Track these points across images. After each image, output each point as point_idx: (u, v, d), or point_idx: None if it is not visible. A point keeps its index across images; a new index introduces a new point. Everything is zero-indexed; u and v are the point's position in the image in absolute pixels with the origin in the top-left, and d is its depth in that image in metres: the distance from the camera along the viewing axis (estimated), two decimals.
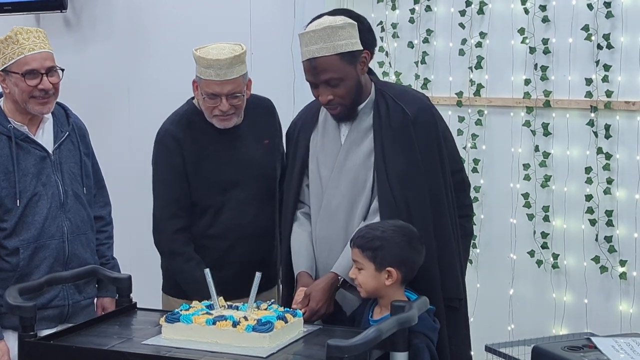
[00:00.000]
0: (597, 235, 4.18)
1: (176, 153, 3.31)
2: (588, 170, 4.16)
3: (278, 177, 3.48)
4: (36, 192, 3.18)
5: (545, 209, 4.30)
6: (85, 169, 3.35)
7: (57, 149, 3.26)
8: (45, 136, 3.25)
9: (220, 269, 3.15)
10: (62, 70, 3.26)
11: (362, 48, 3.03)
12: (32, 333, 2.63)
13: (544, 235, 4.31)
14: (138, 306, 3.04)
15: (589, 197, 4.17)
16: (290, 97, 4.75)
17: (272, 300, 2.91)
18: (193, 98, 3.39)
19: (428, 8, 4.59)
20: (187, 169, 3.32)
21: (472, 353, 3.19)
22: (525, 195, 4.35)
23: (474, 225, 3.41)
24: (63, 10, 5.46)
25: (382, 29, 4.68)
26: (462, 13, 4.48)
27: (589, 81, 4.14)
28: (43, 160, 3.21)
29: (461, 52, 4.49)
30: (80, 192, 3.31)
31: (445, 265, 3.03)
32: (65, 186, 3.25)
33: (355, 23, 3.06)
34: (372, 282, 2.84)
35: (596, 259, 4.17)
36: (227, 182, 3.34)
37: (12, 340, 3.08)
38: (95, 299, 3.44)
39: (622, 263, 4.13)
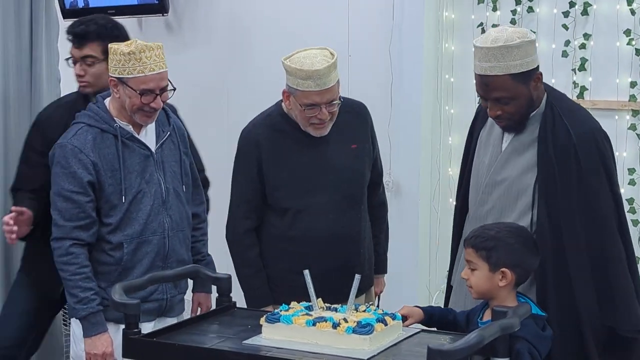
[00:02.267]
0: None
1: (253, 155, 3.34)
2: None
3: (367, 181, 3.46)
4: (140, 190, 3.24)
5: None
6: (185, 168, 3.40)
7: (159, 148, 3.31)
8: (148, 135, 3.31)
9: (301, 272, 3.14)
10: (174, 89, 3.30)
11: (537, 65, 2.93)
12: (135, 330, 2.67)
13: None
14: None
15: None
16: (387, 99, 4.74)
17: (371, 303, 2.90)
18: (282, 100, 3.39)
19: (530, 9, 4.51)
20: (264, 170, 3.34)
21: None
22: (630, 201, 4.23)
23: None
24: (164, 14, 5.56)
25: (483, 31, 4.62)
26: (566, 14, 4.39)
27: None
28: (146, 158, 3.27)
29: (564, 54, 4.40)
30: (180, 190, 3.36)
31: (615, 295, 2.92)
32: (166, 184, 3.30)
33: (534, 39, 2.94)
34: (486, 283, 2.80)
35: None
36: (307, 186, 3.33)
37: (113, 331, 3.17)
38: (192, 295, 3.50)
39: None
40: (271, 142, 3.36)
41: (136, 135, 3.27)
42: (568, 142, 2.91)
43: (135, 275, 3.19)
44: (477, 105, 3.36)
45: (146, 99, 3.18)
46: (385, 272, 3.72)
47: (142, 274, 3.15)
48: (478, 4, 4.67)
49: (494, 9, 4.63)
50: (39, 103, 4.02)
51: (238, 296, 3.18)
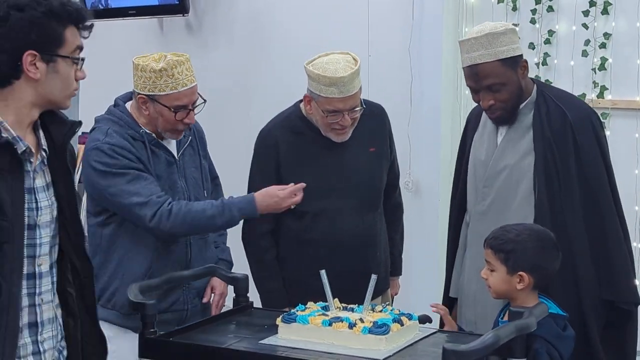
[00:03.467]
0: None
1: (271, 156, 3.34)
2: None
3: (384, 184, 3.45)
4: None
5: None
6: (205, 173, 3.38)
7: (181, 155, 3.29)
8: (170, 141, 3.27)
9: (316, 275, 3.14)
10: (205, 102, 3.24)
11: (522, 53, 3.04)
12: (152, 330, 2.68)
13: None
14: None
15: None
16: (407, 100, 4.73)
17: (387, 303, 2.90)
18: (301, 101, 3.39)
19: (550, 8, 4.49)
20: (281, 172, 3.33)
21: None
22: None
23: None
24: (185, 14, 5.58)
25: None
26: (585, 13, 4.36)
27: None
28: (170, 165, 3.24)
29: (584, 54, 4.38)
30: (201, 197, 3.32)
31: (615, 269, 3.01)
32: (188, 192, 3.27)
33: (516, 28, 3.08)
34: (503, 285, 2.79)
35: None
36: (325, 189, 3.32)
37: (133, 339, 3.11)
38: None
39: None
40: (289, 144, 3.36)
41: (161, 142, 3.23)
42: (565, 122, 3.01)
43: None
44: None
45: (180, 116, 3.13)
46: (400, 274, 3.72)
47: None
48: (498, 3, 4.65)
49: (514, 9, 4.61)
50: None
51: (255, 296, 3.19)
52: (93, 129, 3.22)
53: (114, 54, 6.31)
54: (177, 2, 5.50)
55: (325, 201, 3.32)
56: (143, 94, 3.12)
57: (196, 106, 3.19)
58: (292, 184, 3.21)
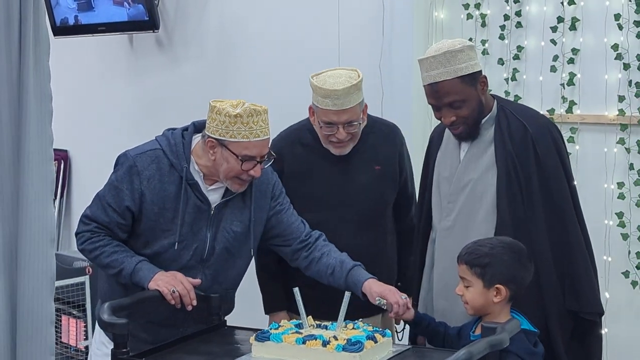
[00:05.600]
0: None
1: (275, 166, 3.33)
2: None
3: (389, 204, 3.46)
4: (183, 240, 3.11)
5: None
6: (254, 229, 3.24)
7: (221, 205, 3.14)
8: (216, 189, 3.15)
9: (314, 288, 3.15)
10: (275, 157, 3.15)
11: (481, 69, 3.08)
12: (124, 350, 2.67)
13: (639, 255, 4.20)
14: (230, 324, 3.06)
15: None
16: (378, 115, 4.74)
17: (360, 320, 2.91)
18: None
19: (518, 24, 4.53)
20: (284, 181, 3.35)
21: None
22: (620, 215, 4.23)
23: None
24: (155, 31, 5.58)
25: None
26: (554, 29, 4.40)
27: None
28: (200, 211, 3.11)
29: (553, 69, 4.42)
30: (234, 248, 3.19)
31: (579, 279, 3.04)
32: (214, 242, 3.15)
33: (474, 45, 3.13)
34: (480, 299, 2.81)
35: None
36: (324, 201, 3.35)
37: None
38: None
39: None
40: (295, 155, 3.41)
41: (200, 186, 3.10)
42: (525, 135, 3.06)
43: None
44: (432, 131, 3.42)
45: (246, 166, 3.01)
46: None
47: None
48: (467, 19, 4.69)
49: (483, 25, 4.65)
50: (27, 121, 3.99)
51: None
52: (156, 137, 3.17)
53: (85, 70, 6.31)
54: (147, 18, 5.50)
55: (323, 214, 3.35)
56: (213, 137, 3.02)
57: (264, 160, 3.08)
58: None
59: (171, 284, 2.97)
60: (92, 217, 3.12)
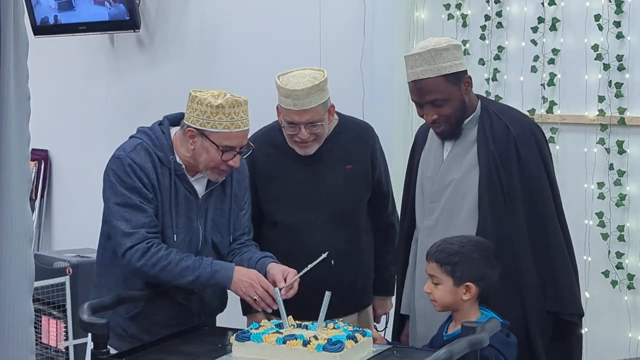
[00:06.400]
0: None
1: (248, 167, 3.34)
2: None
3: (362, 203, 3.46)
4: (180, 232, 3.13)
5: (620, 228, 4.21)
6: (233, 218, 3.27)
7: (206, 195, 3.16)
8: (199, 179, 3.16)
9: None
10: (253, 148, 3.13)
11: (466, 69, 3.09)
12: (104, 350, 2.66)
13: (619, 255, 4.22)
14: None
15: None
16: (359, 115, 4.72)
17: (341, 320, 2.91)
18: None
19: (499, 25, 4.55)
20: (256, 183, 3.36)
21: None
22: (600, 215, 4.25)
23: None
24: (136, 30, 5.56)
25: None
26: (534, 30, 4.42)
27: None
28: (189, 202, 3.12)
29: (533, 69, 4.43)
30: (219, 242, 3.22)
31: (559, 281, 3.04)
32: (205, 233, 3.17)
33: (460, 44, 3.15)
34: (449, 297, 2.83)
35: None
36: (296, 202, 3.35)
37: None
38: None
39: None
40: (267, 156, 3.40)
41: (187, 177, 3.12)
42: (508, 136, 3.06)
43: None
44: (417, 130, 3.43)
45: (226, 156, 3.02)
46: (392, 294, 3.69)
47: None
48: (448, 19, 4.70)
49: (464, 25, 4.66)
50: (7, 123, 3.97)
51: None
52: (130, 137, 3.16)
53: (66, 70, 6.28)
54: (128, 18, 5.49)
55: (295, 214, 3.35)
56: (193, 127, 3.02)
57: (243, 151, 3.08)
58: (280, 285, 3.02)
59: (250, 290, 2.97)
60: (133, 225, 2.99)
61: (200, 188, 3.13)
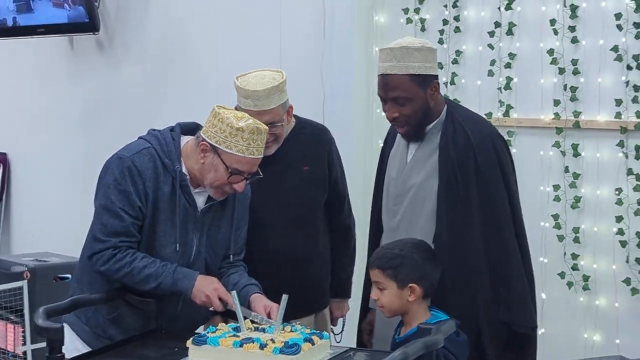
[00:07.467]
0: (627, 256, 4.13)
1: None
2: (619, 190, 4.13)
3: (319, 204, 3.48)
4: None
5: (576, 230, 4.27)
6: (232, 238, 3.24)
7: (206, 210, 3.12)
8: (200, 192, 3.11)
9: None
10: (260, 176, 3.07)
11: (436, 74, 3.08)
12: (59, 355, 2.64)
13: (575, 256, 4.27)
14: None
15: (619, 219, 4.14)
16: (319, 117, 4.75)
17: (298, 322, 2.92)
18: None
19: (457, 29, 4.59)
20: None
21: None
22: (555, 217, 4.30)
23: None
24: (95, 33, 5.54)
25: None
26: (491, 34, 4.46)
27: (618, 102, 4.11)
28: (187, 214, 3.08)
29: (490, 73, 4.48)
30: (210, 259, 3.20)
31: (513, 293, 3.04)
32: (199, 247, 3.14)
33: (435, 49, 3.12)
34: (396, 300, 2.86)
35: (627, 281, 4.12)
36: (254, 204, 3.34)
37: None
38: None
39: None
40: None
41: (190, 188, 3.07)
42: (467, 144, 3.06)
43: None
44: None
45: (233, 179, 2.98)
46: (348, 297, 3.72)
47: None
48: (407, 24, 4.74)
49: (422, 29, 4.69)
50: None
51: None
52: (139, 137, 3.13)
53: (25, 72, 6.24)
54: (88, 20, 5.47)
55: (253, 215, 3.34)
56: (208, 142, 2.97)
57: (250, 178, 3.04)
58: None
59: (207, 301, 2.99)
60: (106, 232, 2.97)
61: (200, 201, 3.10)
